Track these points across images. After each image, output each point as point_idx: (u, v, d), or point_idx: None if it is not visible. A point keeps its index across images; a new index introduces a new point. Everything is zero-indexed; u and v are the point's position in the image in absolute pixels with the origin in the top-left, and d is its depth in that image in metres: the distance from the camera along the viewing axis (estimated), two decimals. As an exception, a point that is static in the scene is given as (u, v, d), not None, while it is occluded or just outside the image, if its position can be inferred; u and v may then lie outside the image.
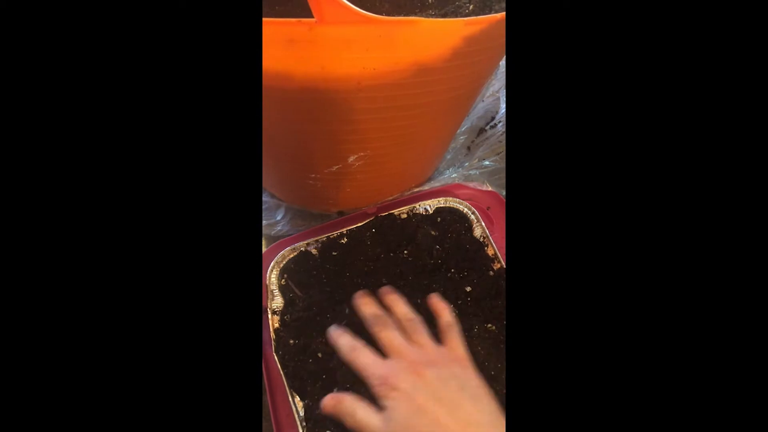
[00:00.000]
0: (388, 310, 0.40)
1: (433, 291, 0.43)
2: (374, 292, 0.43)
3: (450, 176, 0.57)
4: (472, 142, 0.65)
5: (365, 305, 0.40)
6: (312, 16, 0.29)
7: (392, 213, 0.50)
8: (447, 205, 0.51)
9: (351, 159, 0.46)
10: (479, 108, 0.68)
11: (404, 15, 0.31)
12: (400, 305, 0.40)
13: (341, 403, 0.34)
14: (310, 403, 0.38)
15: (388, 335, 0.36)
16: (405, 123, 0.45)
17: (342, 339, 0.38)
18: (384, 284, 0.45)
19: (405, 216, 0.50)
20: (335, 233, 0.49)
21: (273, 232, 0.55)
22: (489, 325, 0.42)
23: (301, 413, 0.38)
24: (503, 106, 0.67)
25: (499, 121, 0.66)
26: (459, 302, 0.43)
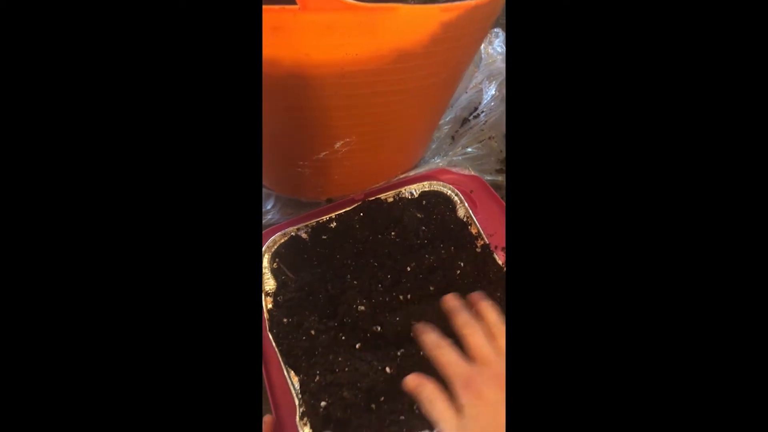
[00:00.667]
0: (478, 316, 0.39)
1: (428, 268, 0.45)
2: (462, 297, 0.43)
3: (435, 163, 0.59)
4: (456, 131, 0.68)
5: (456, 309, 0.40)
6: (295, 3, 0.31)
7: (379, 198, 0.52)
8: (432, 188, 0.53)
9: (337, 145, 0.48)
10: (463, 99, 0.71)
11: (384, 2, 0.33)
12: (491, 313, 0.39)
13: (423, 387, 0.35)
14: (305, 378, 0.40)
15: (477, 341, 0.36)
16: (389, 109, 0.47)
17: (427, 335, 0.38)
18: (372, 265, 0.47)
19: (391, 200, 0.52)
20: (324, 218, 0.50)
21: (264, 221, 0.57)
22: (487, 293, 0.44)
23: (297, 387, 0.40)
24: (486, 96, 0.69)
25: (482, 111, 0.68)
26: (456, 278, 0.45)
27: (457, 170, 0.58)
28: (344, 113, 0.44)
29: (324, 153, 0.48)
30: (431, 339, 0.38)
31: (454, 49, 0.42)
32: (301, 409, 0.39)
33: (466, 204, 0.51)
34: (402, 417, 0.37)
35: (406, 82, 0.43)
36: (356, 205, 0.51)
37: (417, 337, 0.39)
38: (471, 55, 0.49)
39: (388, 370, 0.39)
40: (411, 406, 0.38)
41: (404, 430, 0.37)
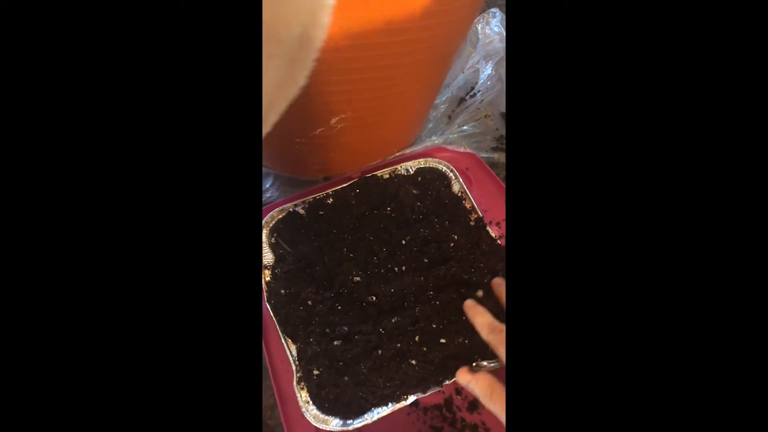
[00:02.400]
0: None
1: (423, 241, 0.46)
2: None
3: (431, 141, 0.59)
4: (453, 111, 0.68)
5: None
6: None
7: (375, 174, 0.53)
8: (427, 165, 0.54)
9: (333, 121, 0.48)
10: (459, 79, 0.71)
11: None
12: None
13: (477, 380, 0.35)
14: (302, 345, 0.41)
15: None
16: (384, 84, 0.48)
17: (479, 316, 0.38)
18: (368, 238, 0.48)
19: (387, 176, 0.53)
20: (321, 194, 0.51)
21: (263, 199, 0.58)
22: (481, 264, 0.45)
23: (294, 354, 0.41)
24: (482, 76, 0.70)
25: (478, 91, 0.68)
26: (450, 250, 0.46)
27: (453, 148, 0.58)
28: (339, 89, 0.45)
29: (320, 129, 0.49)
30: (483, 320, 0.38)
31: (446, 23, 0.43)
32: (297, 375, 0.40)
33: (461, 180, 0.52)
34: (397, 382, 0.38)
35: (400, 56, 0.43)
36: (353, 181, 0.52)
37: (466, 312, 0.40)
38: (464, 31, 0.49)
39: (381, 339, 0.41)
40: (404, 373, 0.39)
41: (398, 393, 0.38)
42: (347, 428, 0.37)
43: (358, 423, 0.37)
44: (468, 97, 0.69)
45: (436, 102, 0.68)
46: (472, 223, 0.49)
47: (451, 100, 0.68)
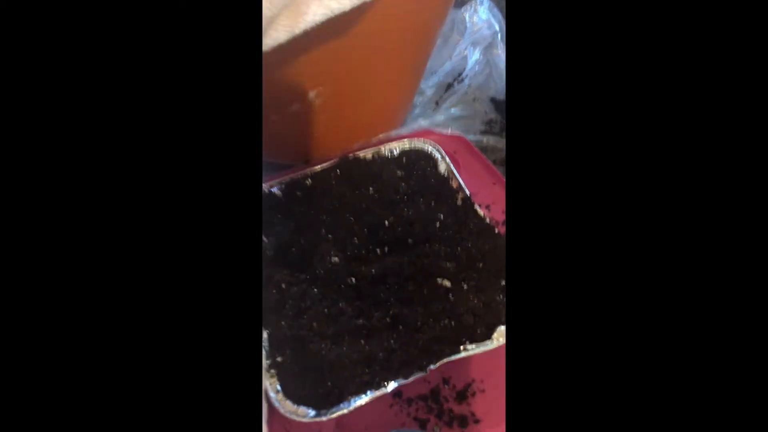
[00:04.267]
0: None
1: (407, 221, 0.43)
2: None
3: (418, 123, 0.57)
4: (440, 97, 0.66)
5: None
6: None
7: (357, 155, 0.50)
8: (412, 146, 0.51)
9: (311, 95, 0.46)
10: (447, 66, 0.69)
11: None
12: None
13: None
14: (274, 331, 0.38)
15: None
16: (362, 55, 0.45)
17: None
18: (348, 219, 0.45)
19: (370, 157, 0.50)
20: (299, 175, 0.48)
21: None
22: (468, 244, 0.42)
23: (265, 341, 0.38)
24: (470, 62, 0.68)
25: (466, 76, 0.66)
26: (435, 230, 0.43)
27: (440, 130, 0.56)
28: (314, 60, 0.42)
29: (297, 105, 0.47)
30: None
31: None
32: (267, 362, 0.36)
33: (448, 159, 0.49)
34: (376, 367, 0.35)
35: (378, 23, 0.41)
36: (333, 162, 0.49)
37: None
38: (442, 6, 0.47)
39: (360, 321, 0.37)
40: (385, 357, 0.35)
41: (377, 379, 0.34)
42: (321, 419, 0.33)
43: (334, 413, 0.33)
44: (456, 83, 0.67)
45: (422, 87, 0.66)
46: (459, 203, 0.46)
47: (438, 86, 0.66)
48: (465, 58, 0.69)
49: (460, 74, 0.68)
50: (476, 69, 0.65)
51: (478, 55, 0.66)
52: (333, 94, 0.46)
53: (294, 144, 0.52)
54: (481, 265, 0.41)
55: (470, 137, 0.56)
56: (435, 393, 0.38)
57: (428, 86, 0.65)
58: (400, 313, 0.37)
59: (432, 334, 0.36)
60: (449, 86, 0.66)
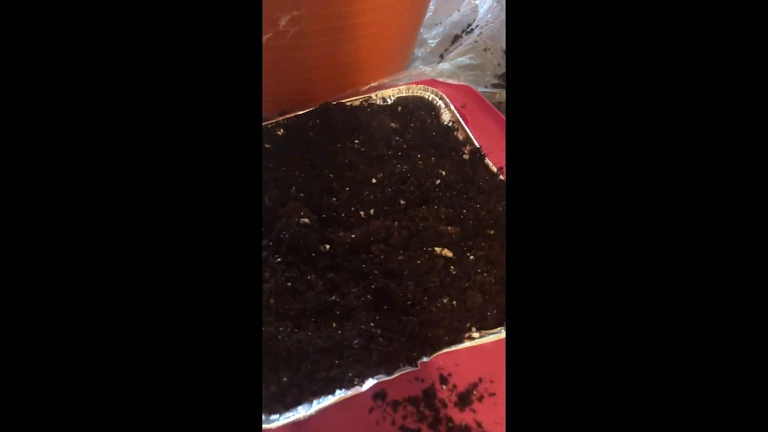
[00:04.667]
0: None
1: (399, 178, 0.35)
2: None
3: (421, 71, 0.48)
4: (446, 49, 0.57)
5: None
6: None
7: (342, 102, 0.41)
8: (410, 94, 0.42)
9: (282, 23, 0.37)
10: (454, 16, 0.60)
11: None
12: None
13: None
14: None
15: None
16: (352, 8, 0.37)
17: None
18: (327, 176, 0.36)
19: (357, 104, 0.41)
20: (270, 123, 0.40)
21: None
22: (477, 205, 0.33)
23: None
24: (481, 11, 0.58)
25: (477, 26, 0.57)
26: (435, 189, 0.34)
27: (446, 80, 0.47)
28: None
29: (267, 35, 0.38)
30: None
31: None
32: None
33: (452, 107, 0.40)
34: (349, 359, 0.26)
35: None
36: (311, 109, 0.40)
37: None
38: None
39: (332, 298, 0.28)
40: (361, 346, 0.26)
41: (350, 375, 0.25)
42: (270, 426, 0.24)
43: (288, 418, 0.24)
44: (464, 34, 0.57)
45: (425, 37, 0.57)
46: (465, 156, 0.37)
47: (443, 37, 0.57)
48: (475, 9, 0.60)
49: (469, 25, 0.59)
50: (488, 17, 0.56)
51: (491, 1, 0.57)
52: (312, 20, 0.37)
53: (267, 92, 0.43)
54: (492, 231, 0.32)
55: (480, 89, 0.47)
56: (429, 395, 0.29)
57: (431, 35, 0.56)
58: (385, 288, 0.28)
59: (426, 316, 0.27)
60: (456, 38, 0.57)
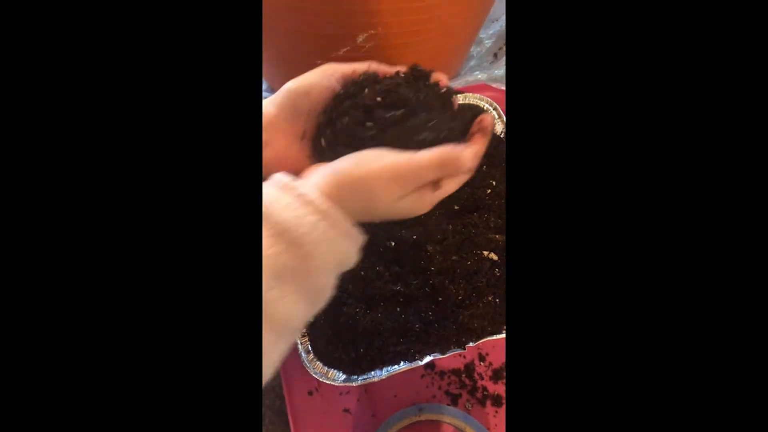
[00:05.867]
0: None
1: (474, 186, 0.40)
2: None
3: (474, 76, 0.52)
4: (500, 48, 0.59)
5: None
6: None
7: (405, 108, 0.46)
8: (466, 101, 0.47)
9: (360, 39, 0.41)
10: (510, 13, 0.62)
11: None
12: None
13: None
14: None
15: None
16: (419, 5, 0.40)
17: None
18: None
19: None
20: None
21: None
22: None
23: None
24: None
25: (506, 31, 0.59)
26: (486, 198, 0.40)
27: (498, 86, 0.51)
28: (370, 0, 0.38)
29: (345, 49, 0.43)
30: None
31: None
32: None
33: (505, 119, 0.44)
34: (412, 338, 0.33)
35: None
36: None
37: None
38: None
39: (397, 287, 0.35)
40: (422, 329, 0.33)
41: (412, 351, 0.33)
42: (350, 384, 0.32)
43: (365, 380, 0.32)
44: (519, 33, 0.60)
45: (480, 36, 0.59)
46: (513, 169, 0.42)
47: (498, 36, 0.60)
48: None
49: (524, 23, 0.61)
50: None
51: (548, 1, 0.59)
52: (386, 36, 0.42)
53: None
54: (532, 239, 0.38)
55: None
56: (469, 369, 0.37)
57: (487, 35, 0.59)
58: (441, 285, 0.35)
59: (474, 310, 0.34)
60: (511, 36, 0.60)
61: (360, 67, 0.28)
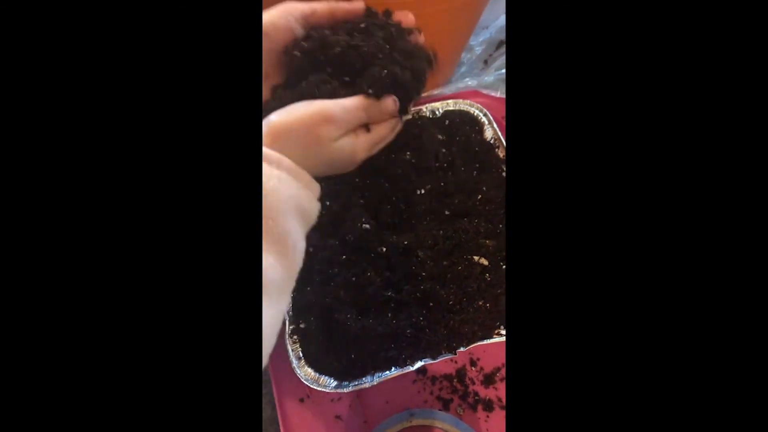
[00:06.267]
0: None
1: (445, 191, 0.41)
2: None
3: (465, 83, 0.52)
4: (490, 55, 0.60)
5: None
6: None
7: (396, 114, 0.46)
8: (457, 108, 0.47)
9: (351, 46, 0.42)
10: (501, 20, 0.63)
11: None
12: None
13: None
14: (298, 295, 0.36)
15: None
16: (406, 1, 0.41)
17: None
18: (383, 184, 0.42)
19: (409, 118, 0.46)
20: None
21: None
22: (501, 226, 0.39)
23: (288, 308, 0.36)
24: (526, 17, 0.61)
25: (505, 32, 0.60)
26: (476, 203, 0.40)
27: (488, 92, 0.51)
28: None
29: (336, 55, 0.43)
30: None
31: None
32: (290, 327, 0.35)
33: (495, 125, 0.45)
34: (403, 344, 0.33)
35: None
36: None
37: None
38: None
39: (388, 293, 0.35)
40: (413, 334, 0.33)
41: (403, 356, 0.33)
42: (342, 390, 0.32)
43: (356, 386, 0.32)
44: (509, 40, 0.61)
45: (471, 43, 0.60)
46: (504, 174, 0.42)
47: (489, 43, 0.60)
48: (521, 13, 0.63)
49: (514, 30, 0.61)
50: (533, 25, 0.59)
51: (538, 9, 0.59)
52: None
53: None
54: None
55: (521, 102, 0.51)
56: (461, 374, 0.37)
57: (478, 42, 0.59)
58: (432, 290, 0.35)
59: (465, 315, 0.34)
60: (501, 44, 0.60)
61: (320, 6, 0.29)
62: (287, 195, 0.22)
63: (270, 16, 0.28)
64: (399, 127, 0.31)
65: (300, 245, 0.23)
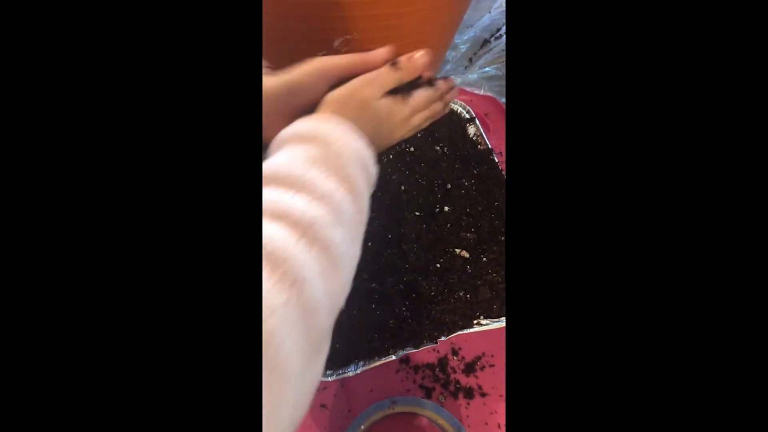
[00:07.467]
0: None
1: (427, 185, 0.42)
2: None
3: (447, 81, 0.53)
4: (475, 53, 0.61)
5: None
6: None
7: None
8: (440, 105, 0.48)
9: (336, 43, 0.42)
10: (485, 19, 0.64)
11: None
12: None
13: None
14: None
15: None
16: (394, 11, 0.42)
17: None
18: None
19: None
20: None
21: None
22: (492, 215, 0.40)
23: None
24: (510, 16, 0.62)
25: (505, 32, 0.61)
26: (459, 198, 0.41)
27: (472, 90, 0.52)
28: (345, 7, 0.39)
29: (321, 53, 0.43)
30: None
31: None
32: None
33: (478, 122, 0.46)
34: (386, 334, 0.34)
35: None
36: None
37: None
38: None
39: (372, 285, 0.36)
40: (395, 324, 0.34)
41: (386, 346, 0.34)
42: (326, 379, 0.33)
43: (340, 375, 0.33)
44: (493, 39, 0.62)
45: (456, 42, 0.61)
46: (485, 172, 0.44)
47: (473, 41, 0.61)
48: (504, 13, 0.64)
49: (498, 29, 0.63)
50: (517, 25, 0.60)
51: (521, 9, 0.61)
52: (362, 41, 0.43)
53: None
54: (503, 238, 0.39)
55: (503, 100, 0.53)
56: (443, 363, 0.38)
57: (462, 40, 0.61)
58: (414, 282, 0.36)
59: (446, 306, 0.35)
60: (485, 42, 0.62)
61: (341, 61, 0.32)
62: (354, 147, 0.23)
63: (298, 75, 0.30)
64: (442, 106, 0.34)
65: (365, 196, 0.24)
